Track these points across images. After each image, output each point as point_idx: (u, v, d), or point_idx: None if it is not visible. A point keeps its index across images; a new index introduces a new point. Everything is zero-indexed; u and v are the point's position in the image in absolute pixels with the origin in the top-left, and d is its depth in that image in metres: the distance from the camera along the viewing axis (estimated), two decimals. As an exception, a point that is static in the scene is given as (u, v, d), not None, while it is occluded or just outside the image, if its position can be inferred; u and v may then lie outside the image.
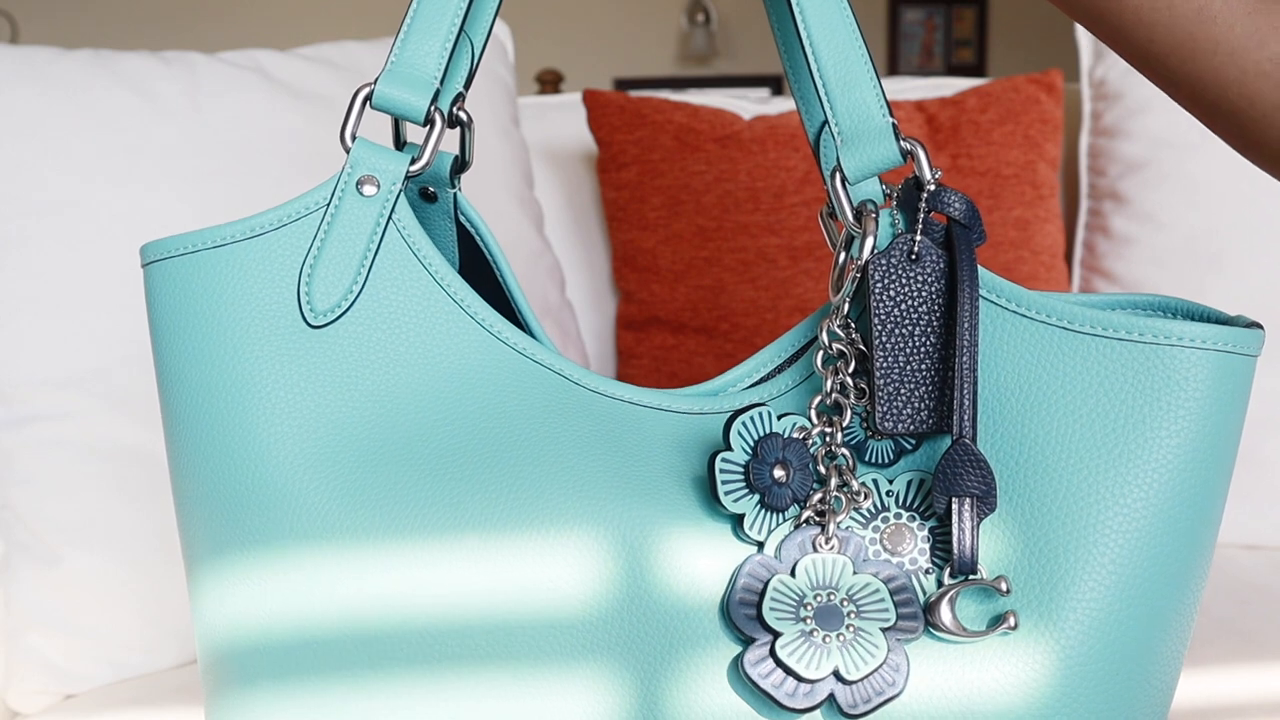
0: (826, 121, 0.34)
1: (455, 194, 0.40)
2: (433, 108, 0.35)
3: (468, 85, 0.39)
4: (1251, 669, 0.64)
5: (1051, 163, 0.92)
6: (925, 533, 0.31)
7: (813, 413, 0.32)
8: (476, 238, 0.41)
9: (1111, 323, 0.31)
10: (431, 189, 0.40)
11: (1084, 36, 0.99)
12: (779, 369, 0.35)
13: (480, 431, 0.33)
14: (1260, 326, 0.31)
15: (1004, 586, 0.29)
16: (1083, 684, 0.29)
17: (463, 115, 0.38)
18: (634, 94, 0.94)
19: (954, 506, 0.30)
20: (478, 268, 0.41)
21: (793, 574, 0.30)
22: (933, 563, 0.31)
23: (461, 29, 0.36)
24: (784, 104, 1.06)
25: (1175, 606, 0.31)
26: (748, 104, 1.04)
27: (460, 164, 0.40)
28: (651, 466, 0.32)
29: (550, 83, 2.72)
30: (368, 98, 0.36)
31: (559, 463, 0.32)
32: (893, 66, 3.75)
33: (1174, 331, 0.30)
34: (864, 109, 0.33)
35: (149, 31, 3.47)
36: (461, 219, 0.41)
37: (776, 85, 3.78)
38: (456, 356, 0.34)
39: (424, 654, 0.31)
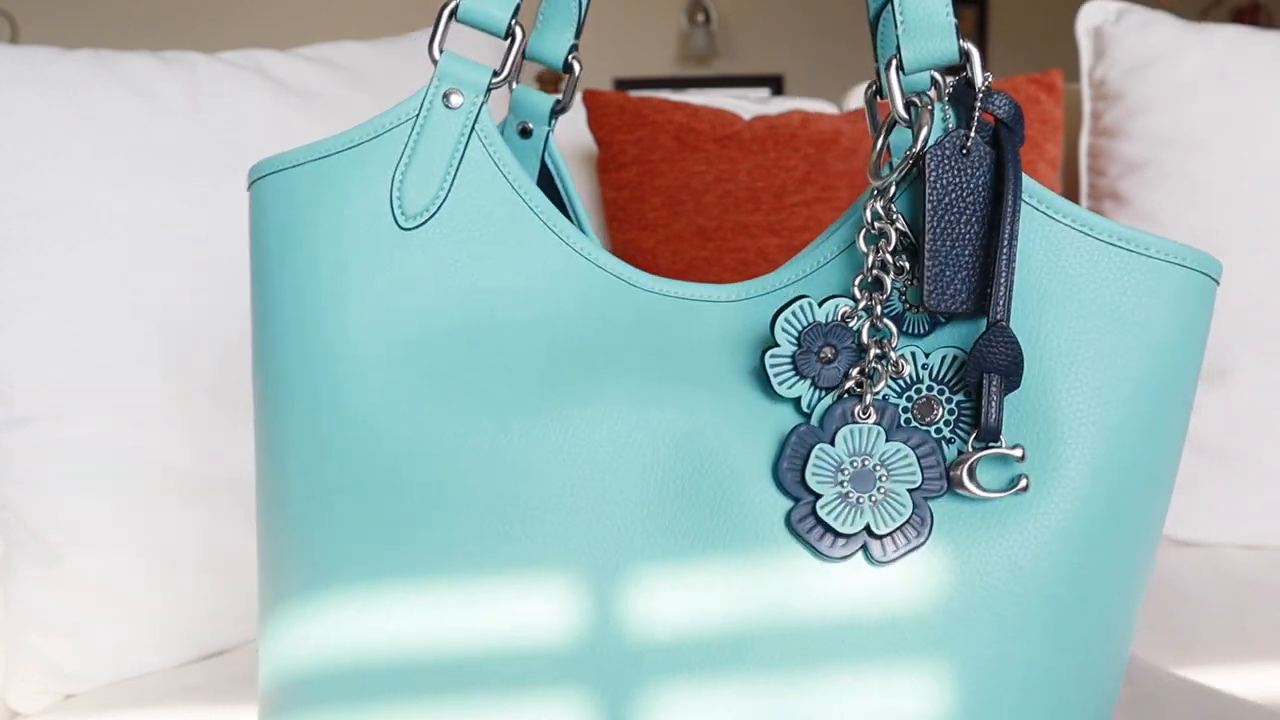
0: (891, 3, 0.35)
1: (548, 133, 0.44)
2: (513, 21, 0.38)
3: (578, 34, 0.42)
4: (1251, 669, 0.64)
5: (1051, 163, 0.92)
6: (952, 405, 0.34)
7: (855, 289, 0.35)
8: (557, 178, 0.44)
9: (1124, 235, 0.34)
10: (530, 125, 0.43)
11: (1084, 36, 0.99)
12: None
13: (552, 332, 0.36)
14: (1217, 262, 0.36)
15: (1019, 454, 0.33)
16: (1074, 543, 0.33)
17: (575, 64, 0.41)
18: (634, 94, 0.94)
19: (985, 381, 0.33)
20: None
21: (832, 442, 0.34)
22: (955, 433, 0.34)
23: None
24: (784, 104, 1.06)
25: (1148, 488, 0.35)
26: (748, 104, 1.04)
27: (560, 106, 0.43)
28: (712, 361, 0.36)
29: (550, 83, 2.72)
30: (453, 12, 0.38)
31: (623, 363, 0.36)
32: (893, 66, 3.74)
33: (1172, 250, 0.34)
34: (932, 2, 0.34)
35: (149, 31, 3.47)
36: (547, 159, 0.44)
37: (776, 85, 3.78)
38: (529, 258, 0.37)
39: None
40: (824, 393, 0.34)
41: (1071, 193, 1.05)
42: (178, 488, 0.67)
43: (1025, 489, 0.33)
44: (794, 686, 0.33)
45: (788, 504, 0.33)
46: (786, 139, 0.90)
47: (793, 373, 0.34)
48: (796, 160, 0.89)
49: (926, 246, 0.34)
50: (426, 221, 0.36)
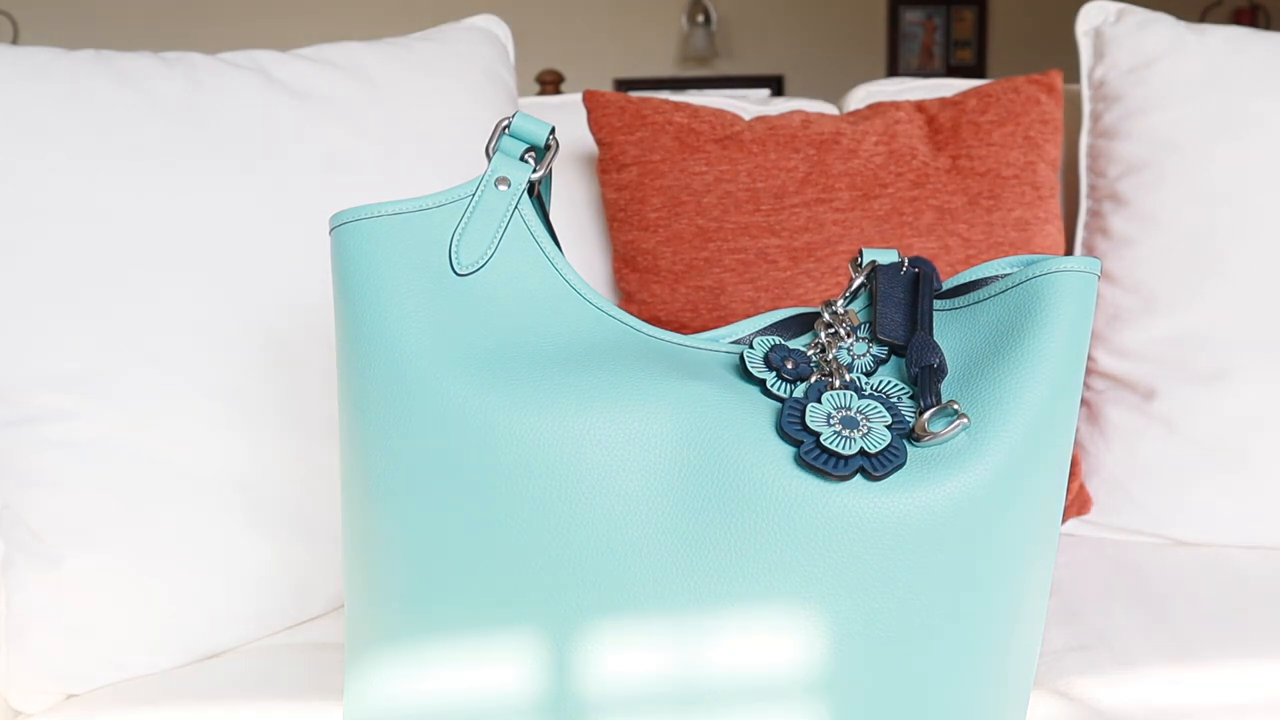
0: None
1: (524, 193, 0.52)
2: (550, 138, 0.50)
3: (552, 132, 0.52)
4: (1251, 669, 0.64)
5: (1052, 163, 0.92)
6: (900, 407, 0.43)
7: (814, 348, 0.46)
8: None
9: (1013, 270, 0.44)
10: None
11: (1084, 37, 0.99)
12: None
13: (576, 348, 0.45)
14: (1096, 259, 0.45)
15: (956, 408, 0.42)
16: (1002, 489, 0.42)
17: (553, 141, 0.52)
18: (634, 94, 0.94)
19: (921, 373, 0.43)
20: None
21: (819, 402, 0.43)
22: (906, 416, 0.43)
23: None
24: (784, 104, 1.06)
25: (1060, 439, 0.43)
26: (748, 104, 1.04)
27: (539, 177, 0.53)
28: (709, 370, 0.45)
29: (550, 83, 2.72)
30: (506, 127, 0.50)
31: (638, 365, 0.44)
32: (893, 67, 3.74)
33: (1054, 263, 0.44)
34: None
35: (149, 32, 3.47)
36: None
37: (777, 85, 3.78)
38: (553, 305, 0.47)
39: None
40: (787, 384, 0.45)
41: (1071, 193, 1.05)
42: (179, 488, 0.67)
43: (967, 424, 0.41)
44: (810, 608, 0.41)
45: (792, 449, 0.41)
46: (787, 140, 0.90)
47: (764, 365, 0.45)
48: (797, 161, 0.89)
49: (879, 308, 0.47)
50: (476, 271, 0.47)
